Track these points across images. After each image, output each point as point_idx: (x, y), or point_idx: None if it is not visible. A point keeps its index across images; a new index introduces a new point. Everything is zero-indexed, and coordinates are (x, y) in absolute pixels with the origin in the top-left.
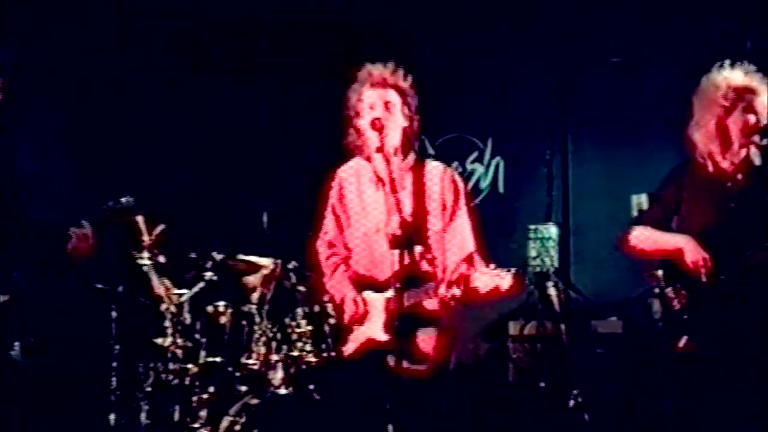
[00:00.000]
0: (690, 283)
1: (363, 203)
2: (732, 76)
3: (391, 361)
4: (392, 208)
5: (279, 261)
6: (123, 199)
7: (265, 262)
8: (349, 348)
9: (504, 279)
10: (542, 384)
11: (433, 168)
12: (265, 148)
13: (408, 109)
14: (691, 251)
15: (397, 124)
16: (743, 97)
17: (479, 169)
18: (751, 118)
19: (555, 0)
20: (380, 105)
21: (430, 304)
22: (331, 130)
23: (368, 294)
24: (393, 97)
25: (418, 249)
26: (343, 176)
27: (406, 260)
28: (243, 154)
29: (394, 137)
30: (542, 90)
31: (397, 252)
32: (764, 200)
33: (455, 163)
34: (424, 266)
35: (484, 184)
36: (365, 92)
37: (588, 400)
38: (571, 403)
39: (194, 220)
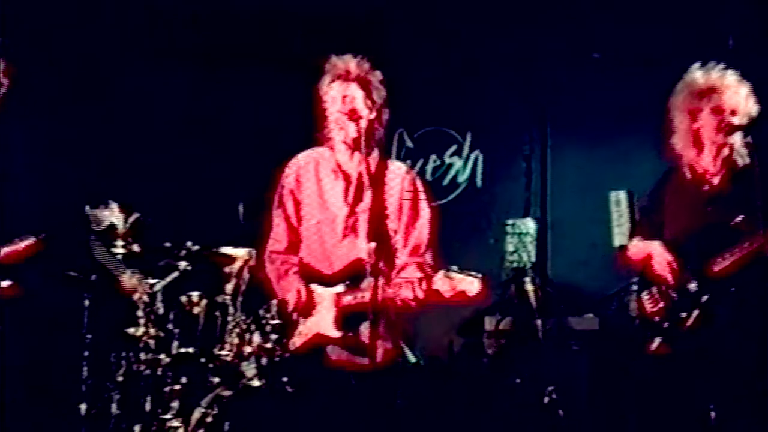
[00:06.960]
0: (663, 288)
1: (320, 192)
2: (696, 77)
3: (333, 353)
4: (350, 201)
5: (253, 252)
6: None
7: (240, 252)
8: (296, 342)
9: (472, 284)
10: (517, 380)
11: (396, 168)
12: (242, 140)
13: (372, 103)
14: (658, 256)
15: (358, 117)
16: (709, 97)
17: (457, 162)
18: (719, 119)
19: None
20: (341, 98)
21: (377, 300)
22: (305, 123)
23: (316, 287)
24: (355, 90)
25: (372, 246)
26: (301, 164)
27: (358, 255)
28: (219, 145)
29: (354, 131)
30: (522, 84)
31: (346, 245)
32: (744, 203)
33: (433, 156)
34: (379, 264)
35: (462, 177)
36: (328, 85)
37: (563, 397)
38: (546, 399)
39: (169, 210)
